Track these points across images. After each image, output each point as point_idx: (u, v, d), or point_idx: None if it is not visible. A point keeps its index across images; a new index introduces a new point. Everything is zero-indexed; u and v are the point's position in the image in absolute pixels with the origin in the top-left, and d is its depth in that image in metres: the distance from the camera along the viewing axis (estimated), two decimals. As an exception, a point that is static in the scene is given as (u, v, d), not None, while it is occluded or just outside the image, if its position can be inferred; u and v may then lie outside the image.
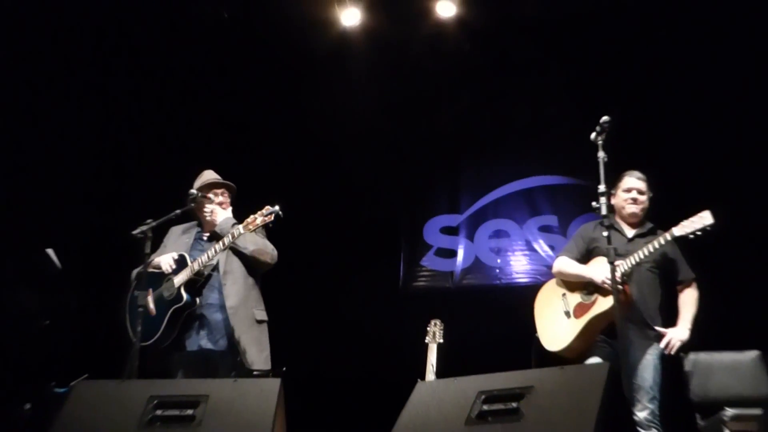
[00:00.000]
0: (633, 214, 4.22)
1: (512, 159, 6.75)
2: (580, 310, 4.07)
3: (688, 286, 4.15)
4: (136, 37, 6.35)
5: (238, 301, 4.14)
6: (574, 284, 4.19)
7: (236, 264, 4.23)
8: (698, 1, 5.89)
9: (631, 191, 4.22)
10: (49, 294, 4.56)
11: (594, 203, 3.83)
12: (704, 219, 3.86)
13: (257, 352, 4.10)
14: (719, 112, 5.95)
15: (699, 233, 3.86)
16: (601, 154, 3.77)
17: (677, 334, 3.98)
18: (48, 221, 5.92)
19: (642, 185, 4.24)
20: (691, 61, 6.04)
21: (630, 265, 3.95)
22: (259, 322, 4.21)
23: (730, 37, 5.93)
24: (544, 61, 6.45)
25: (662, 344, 3.98)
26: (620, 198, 4.22)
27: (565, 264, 4.22)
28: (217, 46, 6.53)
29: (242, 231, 4.07)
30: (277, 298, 4.40)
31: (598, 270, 3.97)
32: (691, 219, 3.89)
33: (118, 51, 6.38)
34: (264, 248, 4.27)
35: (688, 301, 4.11)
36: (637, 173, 4.27)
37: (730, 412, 4.13)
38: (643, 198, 4.23)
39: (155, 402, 2.70)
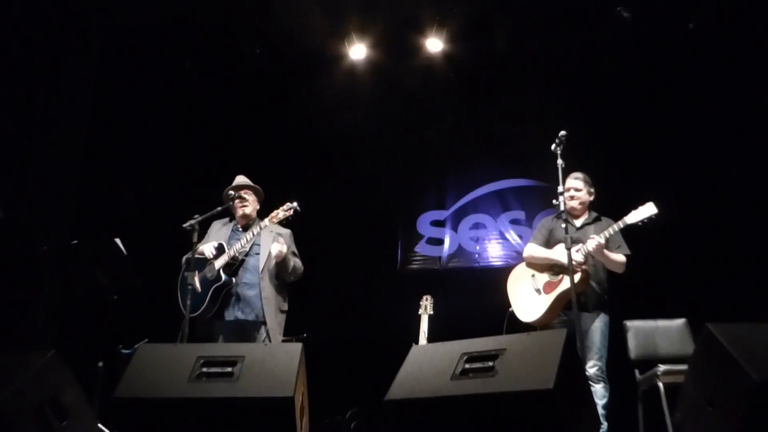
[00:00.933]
0: (572, 208, 4.20)
1: (488, 165, 6.72)
2: (549, 287, 4.05)
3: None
4: (188, 68, 6.39)
5: (271, 294, 4.17)
6: (540, 266, 4.17)
7: (273, 266, 4.23)
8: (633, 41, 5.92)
9: (570, 190, 4.20)
10: (117, 274, 4.54)
11: (554, 201, 3.83)
12: (649, 209, 3.85)
13: (279, 335, 4.15)
14: (648, 129, 6.00)
15: (646, 221, 3.85)
16: (559, 161, 3.78)
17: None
18: (116, 217, 5.94)
19: (578, 184, 4.21)
20: (626, 88, 6.08)
21: (587, 251, 3.94)
22: (282, 311, 4.24)
23: (655, 62, 5.99)
24: (513, 87, 6.43)
25: (589, 246, 3.90)
26: (564, 196, 4.19)
27: (535, 250, 4.20)
28: (251, 77, 6.54)
29: (267, 224, 4.09)
30: (303, 279, 4.40)
31: (564, 254, 3.95)
32: (639, 209, 3.88)
33: (176, 83, 6.43)
34: (298, 276, 4.31)
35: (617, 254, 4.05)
36: (575, 174, 4.24)
37: (662, 368, 4.11)
38: (579, 194, 4.20)
39: (202, 361, 2.69)
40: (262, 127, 6.66)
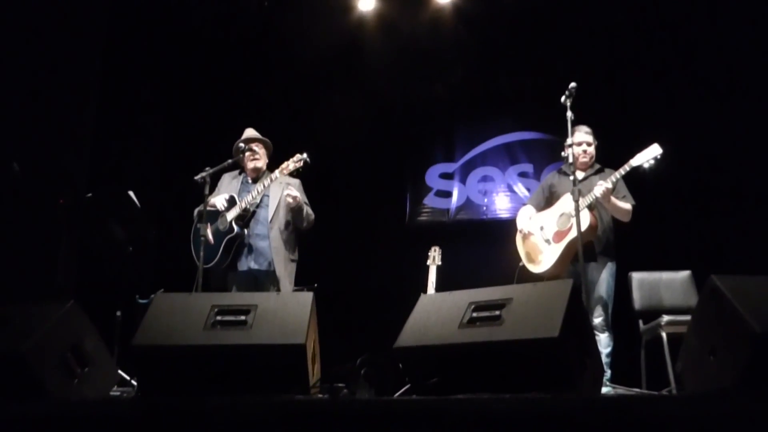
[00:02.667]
0: (584, 162, 4.16)
1: (497, 118, 6.64)
2: (558, 236, 4.04)
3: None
4: (199, 20, 6.32)
5: (280, 244, 4.18)
6: (548, 218, 4.16)
7: (283, 215, 4.24)
8: None
9: (582, 144, 4.15)
10: (132, 227, 4.58)
11: (562, 153, 3.80)
12: (654, 150, 3.82)
13: (288, 284, 4.17)
14: (657, 80, 5.89)
15: (652, 162, 3.81)
16: (569, 113, 3.73)
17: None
18: (129, 171, 5.97)
19: (589, 138, 4.16)
20: (635, 39, 5.97)
21: (595, 197, 3.92)
22: (292, 260, 4.26)
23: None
24: (523, 39, 6.31)
25: (596, 191, 3.90)
26: (574, 149, 4.13)
27: (522, 217, 4.27)
28: (260, 29, 6.45)
29: (278, 175, 4.10)
30: (314, 230, 4.42)
31: (570, 203, 3.94)
32: (644, 151, 3.84)
33: (187, 36, 6.41)
34: (310, 222, 4.29)
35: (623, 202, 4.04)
36: (585, 128, 4.16)
37: (665, 318, 4.15)
38: (591, 149, 4.16)
39: (216, 310, 2.72)
40: (271, 80, 6.60)
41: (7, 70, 5.02)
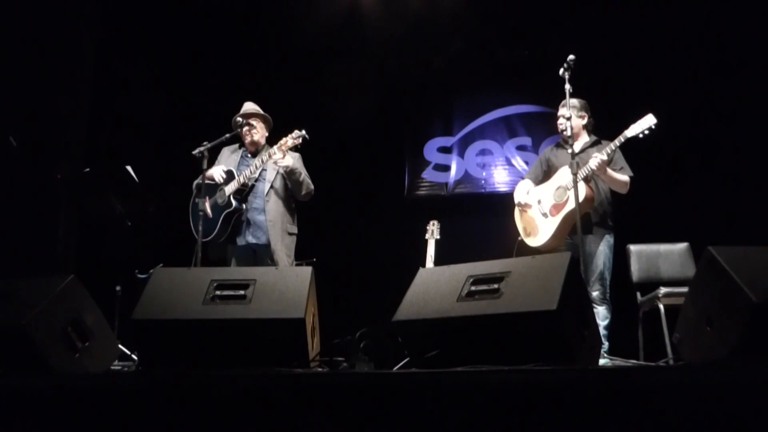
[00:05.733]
0: (565, 134, 4.08)
1: (495, 91, 6.58)
2: (555, 209, 4.03)
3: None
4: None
5: (276, 216, 4.15)
6: (545, 191, 4.14)
7: (280, 187, 4.22)
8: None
9: (560, 118, 4.11)
10: (131, 201, 4.56)
11: (559, 125, 3.77)
12: (648, 120, 3.79)
13: (285, 257, 4.14)
14: (656, 51, 5.81)
15: (647, 132, 3.79)
16: (567, 86, 3.69)
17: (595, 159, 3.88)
18: (127, 145, 5.93)
19: (565, 111, 3.95)
20: (633, 10, 5.86)
21: (590, 169, 3.90)
22: (291, 234, 4.23)
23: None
24: (521, 12, 6.23)
25: (591, 164, 3.88)
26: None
27: (520, 191, 4.23)
28: (258, 4, 6.37)
29: (276, 151, 4.06)
30: (312, 203, 4.40)
31: (567, 176, 3.92)
32: (638, 122, 3.81)
33: (186, 11, 6.35)
34: (310, 192, 4.25)
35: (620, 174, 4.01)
36: (565, 101, 3.95)
37: (663, 290, 4.16)
38: (568, 122, 3.93)
39: (215, 284, 2.71)
40: (270, 52, 6.53)
41: (2, 44, 4.96)
